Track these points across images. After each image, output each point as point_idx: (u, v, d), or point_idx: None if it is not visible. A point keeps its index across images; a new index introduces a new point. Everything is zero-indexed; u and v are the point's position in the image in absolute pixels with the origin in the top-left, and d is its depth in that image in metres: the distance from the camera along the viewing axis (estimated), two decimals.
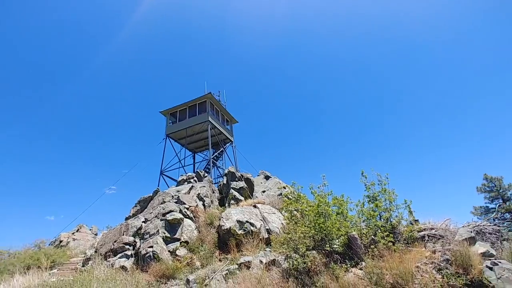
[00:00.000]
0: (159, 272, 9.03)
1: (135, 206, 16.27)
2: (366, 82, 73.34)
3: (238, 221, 10.66)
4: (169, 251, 10.41)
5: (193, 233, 11.48)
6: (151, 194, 16.14)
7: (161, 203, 13.41)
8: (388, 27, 68.32)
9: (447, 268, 6.48)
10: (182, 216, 11.80)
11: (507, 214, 27.03)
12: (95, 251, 12.01)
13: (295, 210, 8.46)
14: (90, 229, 20.89)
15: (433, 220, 8.97)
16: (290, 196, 8.92)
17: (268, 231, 10.62)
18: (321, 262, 6.95)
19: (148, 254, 10.09)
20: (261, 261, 8.04)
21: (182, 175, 18.57)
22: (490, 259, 7.02)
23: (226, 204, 15.06)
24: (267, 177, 20.87)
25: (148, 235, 11.25)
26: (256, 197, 15.59)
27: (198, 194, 14.70)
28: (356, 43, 71.71)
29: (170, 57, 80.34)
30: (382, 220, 8.25)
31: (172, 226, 11.41)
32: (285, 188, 16.70)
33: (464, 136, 67.97)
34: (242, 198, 14.94)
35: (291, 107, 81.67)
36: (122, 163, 74.14)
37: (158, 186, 19.48)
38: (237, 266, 8.25)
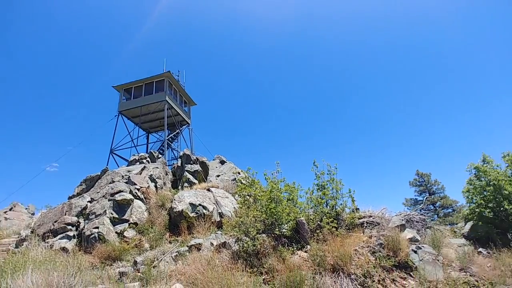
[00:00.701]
0: (104, 253, 8.69)
1: (80, 185, 15.27)
2: (326, 74, 76.04)
3: (191, 204, 10.63)
4: (116, 232, 10.04)
5: (143, 215, 11.19)
6: (99, 173, 15.26)
7: (110, 183, 12.78)
8: None
9: (380, 251, 7.23)
10: (132, 197, 11.40)
11: (431, 205, 30.70)
12: (32, 232, 11.12)
13: (248, 195, 8.68)
14: (26, 208, 19.15)
15: (371, 208, 9.86)
16: (244, 181, 9.12)
17: (221, 215, 10.77)
18: (270, 245, 7.29)
19: (93, 235, 9.63)
20: (212, 244, 8.17)
21: (134, 155, 17.79)
22: (415, 244, 7.97)
23: (179, 187, 14.86)
24: (222, 162, 20.90)
25: (94, 216, 10.70)
26: (210, 181, 15.61)
27: (151, 175, 14.25)
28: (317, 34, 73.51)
29: (127, 30, 74.80)
30: (328, 207, 8.86)
31: (121, 207, 10.98)
32: (239, 174, 16.93)
33: (404, 137, 74.38)
34: (196, 182, 14.84)
35: (252, 95, 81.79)
36: (68, 140, 68.34)
37: (107, 165, 18.47)
38: (187, 248, 8.28)
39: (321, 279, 5.94)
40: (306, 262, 6.76)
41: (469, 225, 11.07)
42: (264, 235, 7.54)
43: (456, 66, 67.58)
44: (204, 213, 10.42)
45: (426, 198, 31.99)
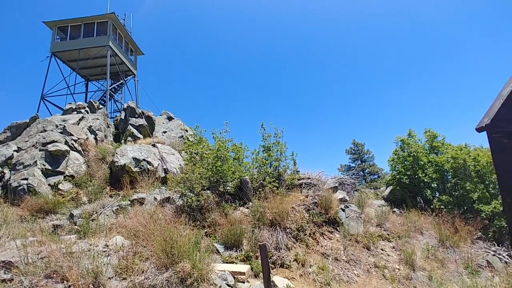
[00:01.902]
0: (35, 206, 8.12)
1: (4, 132, 13.56)
2: (274, 34, 75.18)
3: (134, 158, 10.30)
4: (49, 185, 9.39)
5: (81, 168, 10.57)
6: (27, 121, 13.65)
7: (41, 132, 11.61)
8: None
9: (314, 209, 8.03)
10: (68, 148, 10.59)
11: (361, 172, 34.48)
12: None
13: (195, 152, 8.70)
14: None
15: (310, 171, 10.65)
16: (191, 138, 9.07)
17: (166, 171, 10.68)
18: (214, 201, 7.58)
19: (21, 187, 8.88)
20: (155, 198, 8.19)
21: (70, 103, 16.15)
22: (344, 203, 8.98)
23: (122, 141, 14.14)
24: (170, 118, 20.19)
25: (22, 166, 9.77)
26: (156, 136, 15.11)
27: (90, 126, 13.25)
28: None
29: None
30: (272, 168, 9.36)
31: (55, 159, 10.18)
32: (187, 131, 16.65)
33: (346, 109, 79.28)
34: (141, 136, 14.26)
35: (205, 51, 77.76)
36: None
37: (38, 112, 16.54)
38: (129, 202, 8.19)
39: (260, 232, 6.47)
40: (247, 217, 7.23)
41: (389, 189, 12.76)
42: (208, 191, 7.77)
43: (395, 43, 72.10)
44: (148, 169, 10.23)
45: (358, 165, 35.81)
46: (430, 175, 11.29)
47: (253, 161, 9.54)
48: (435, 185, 11.69)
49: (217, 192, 7.98)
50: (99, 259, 4.06)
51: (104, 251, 4.76)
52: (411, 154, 12.08)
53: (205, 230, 6.66)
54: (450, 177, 11.49)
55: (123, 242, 5.13)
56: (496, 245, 8.61)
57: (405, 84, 72.36)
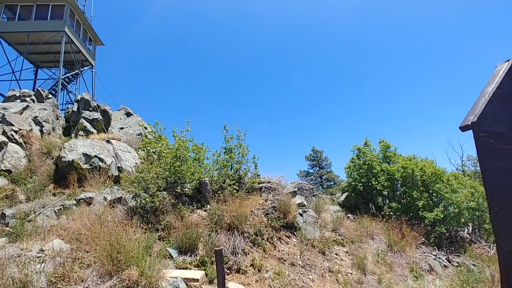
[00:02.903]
0: None
1: None
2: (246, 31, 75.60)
3: (85, 154, 9.51)
4: None
5: (21, 162, 9.49)
6: None
7: None
8: None
9: (272, 213, 8.00)
10: (5, 139, 9.47)
11: (319, 178, 35.87)
12: None
13: (153, 150, 8.26)
14: None
15: (271, 175, 10.67)
16: (150, 136, 8.60)
17: (120, 169, 10.01)
18: (170, 202, 7.22)
19: None
20: (105, 198, 7.59)
21: (14, 90, 14.55)
22: (302, 208, 9.10)
23: (73, 135, 13.03)
24: (128, 114, 19.12)
25: None
26: (112, 132, 14.18)
27: (35, 117, 12.01)
28: None
29: None
30: (232, 170, 9.20)
31: None
32: (146, 129, 15.86)
33: (307, 116, 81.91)
34: (95, 131, 13.26)
35: (173, 48, 75.50)
36: None
37: None
38: (75, 202, 7.50)
39: (217, 236, 6.27)
40: (204, 220, 6.99)
41: (344, 195, 13.25)
42: (165, 192, 7.39)
43: (360, 52, 76.40)
44: (100, 166, 9.49)
45: (316, 172, 37.25)
46: (382, 183, 11.92)
47: (214, 163, 9.31)
48: (386, 192, 12.38)
49: (174, 193, 7.62)
50: (30, 266, 3.58)
51: (38, 257, 4.24)
52: (366, 163, 12.69)
53: (159, 234, 6.29)
54: (399, 185, 12.24)
55: (62, 246, 4.62)
56: (436, 249, 9.31)
57: (363, 93, 76.71)
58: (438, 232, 10.00)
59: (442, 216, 10.15)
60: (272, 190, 9.53)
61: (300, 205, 9.41)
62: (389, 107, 73.08)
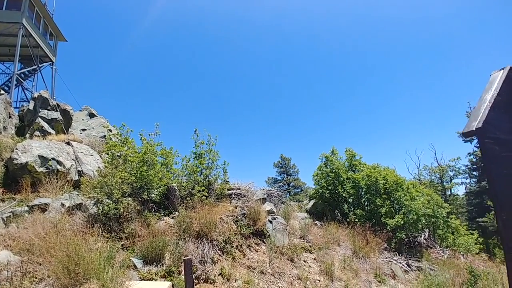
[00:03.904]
0: None
1: None
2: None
3: (41, 157, 8.77)
4: None
5: None
6: None
7: None
8: None
9: (242, 220, 7.92)
10: None
11: (286, 185, 36.51)
12: None
13: (118, 154, 7.84)
14: None
15: (240, 182, 10.61)
16: (115, 139, 8.15)
17: (80, 173, 9.36)
18: (135, 209, 6.86)
19: None
20: (63, 205, 7.03)
21: None
22: (272, 215, 9.11)
23: (28, 135, 12.01)
24: (91, 115, 18.06)
25: None
26: (73, 134, 13.28)
27: None
28: None
29: None
30: (202, 176, 9.01)
31: None
32: (111, 131, 15.08)
33: (274, 124, 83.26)
34: (53, 132, 12.34)
35: (141, 49, 73.12)
36: None
37: None
38: (27, 209, 6.84)
39: (185, 244, 6.05)
40: (172, 228, 6.72)
41: (312, 202, 13.51)
42: (130, 198, 7.01)
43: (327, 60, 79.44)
44: (57, 169, 8.80)
45: (284, 179, 37.88)
46: (348, 190, 12.34)
47: (183, 168, 9.05)
48: (352, 200, 12.82)
49: (140, 199, 7.26)
50: None
51: None
52: (333, 171, 13.08)
53: (122, 243, 5.93)
54: (363, 193, 12.73)
55: (10, 258, 4.17)
56: (397, 254, 9.75)
57: (331, 104, 79.57)
58: (398, 237, 10.50)
59: (402, 222, 10.69)
60: (242, 197, 9.45)
61: (270, 212, 9.42)
62: (355, 117, 76.47)
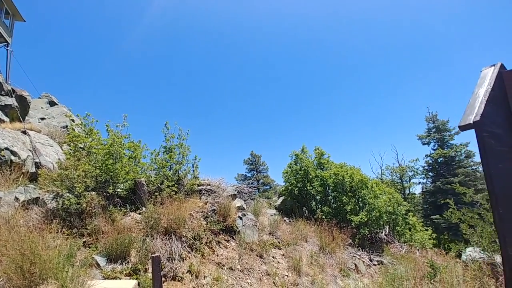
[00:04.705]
0: None
1: None
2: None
3: None
4: None
5: None
6: None
7: None
8: None
9: (212, 217, 7.83)
10: None
11: (256, 182, 36.89)
12: None
13: (81, 145, 7.38)
14: None
15: (211, 177, 10.48)
16: (79, 129, 7.65)
17: (38, 165, 8.68)
18: (100, 204, 6.50)
19: None
20: (17, 198, 6.47)
21: None
22: (242, 211, 9.10)
23: None
24: (52, 103, 16.87)
25: None
26: (30, 122, 12.30)
27: None
28: None
29: None
30: (172, 171, 8.77)
31: None
32: (73, 121, 14.17)
33: (243, 120, 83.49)
34: (7, 120, 11.35)
35: (112, 37, 69.22)
36: None
37: None
38: None
39: (152, 241, 5.86)
40: (139, 224, 6.47)
41: (281, 199, 13.71)
42: (94, 193, 6.63)
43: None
44: (11, 160, 8.09)
45: (254, 175, 38.20)
46: (316, 188, 12.66)
47: (152, 162, 8.73)
48: (319, 197, 13.17)
49: (104, 194, 6.89)
50: None
51: None
52: (303, 168, 13.34)
53: (84, 240, 5.59)
54: (330, 191, 13.14)
55: None
56: (360, 250, 10.21)
57: (304, 103, 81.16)
58: (362, 234, 10.98)
59: (366, 219, 11.19)
60: (212, 193, 9.34)
61: (240, 208, 9.41)
62: (325, 118, 78.68)
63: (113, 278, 4.74)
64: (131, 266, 5.14)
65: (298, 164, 13.79)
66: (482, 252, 5.99)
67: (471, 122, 1.25)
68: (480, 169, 23.45)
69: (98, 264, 4.99)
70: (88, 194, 6.35)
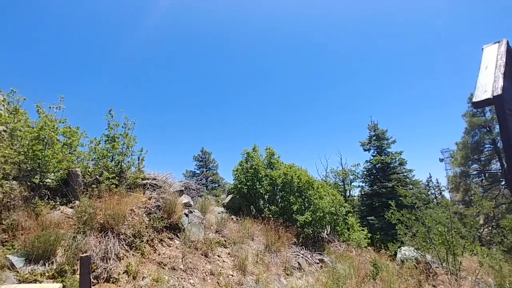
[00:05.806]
0: None
1: None
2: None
3: None
4: None
5: None
6: None
7: None
8: None
9: (156, 213, 7.33)
10: None
11: (204, 179, 36.32)
12: None
13: (3, 128, 6.34)
14: None
15: (157, 172, 9.89)
16: (0, 107, 6.54)
17: None
18: (21, 195, 5.63)
19: None
20: None
21: None
22: (188, 208, 8.72)
23: None
24: None
25: None
26: None
27: None
28: None
29: None
30: (114, 162, 8.04)
31: None
32: None
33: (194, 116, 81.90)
34: None
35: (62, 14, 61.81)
36: None
37: None
38: None
39: (85, 239, 5.23)
40: (69, 219, 5.74)
41: (229, 197, 13.54)
42: (15, 182, 5.72)
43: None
44: None
45: (203, 172, 37.47)
46: (265, 187, 12.75)
47: (91, 151, 7.89)
48: (268, 196, 13.30)
49: (29, 184, 5.99)
50: None
51: None
52: (253, 167, 13.35)
53: None
54: (279, 190, 13.36)
55: None
56: (304, 248, 10.52)
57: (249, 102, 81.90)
58: (306, 233, 11.34)
59: (310, 219, 11.59)
60: (158, 188, 8.79)
61: (187, 205, 9.01)
62: (276, 119, 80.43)
63: (31, 282, 4.08)
64: (56, 267, 4.50)
65: (249, 163, 13.75)
66: (415, 251, 6.54)
67: (490, 97, 1.17)
68: (410, 175, 26.14)
69: (13, 265, 4.25)
70: (6, 183, 5.44)
